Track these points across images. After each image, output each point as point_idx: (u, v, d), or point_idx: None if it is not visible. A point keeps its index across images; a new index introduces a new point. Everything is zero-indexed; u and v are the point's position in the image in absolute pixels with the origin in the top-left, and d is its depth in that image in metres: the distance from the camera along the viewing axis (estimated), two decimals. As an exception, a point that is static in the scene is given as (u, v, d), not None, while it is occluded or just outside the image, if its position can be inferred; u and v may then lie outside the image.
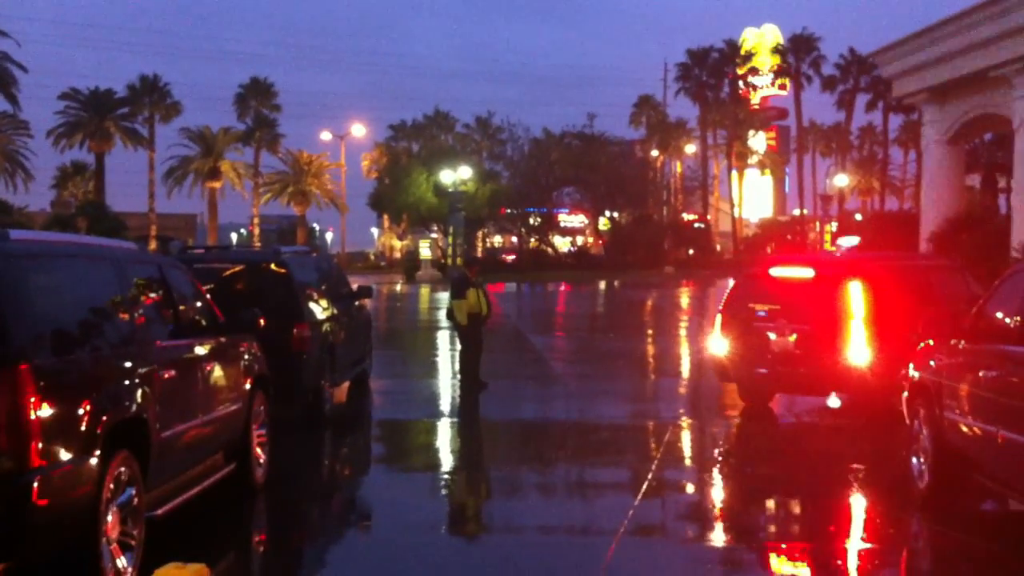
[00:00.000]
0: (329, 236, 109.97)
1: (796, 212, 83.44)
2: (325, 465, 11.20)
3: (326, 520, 8.81)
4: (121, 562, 6.07)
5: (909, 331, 11.60)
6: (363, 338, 15.60)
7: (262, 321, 9.04)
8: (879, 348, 11.84)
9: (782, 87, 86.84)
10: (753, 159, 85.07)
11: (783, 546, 7.70)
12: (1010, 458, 6.97)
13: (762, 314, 12.79)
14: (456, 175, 64.65)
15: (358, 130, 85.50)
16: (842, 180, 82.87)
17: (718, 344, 13.44)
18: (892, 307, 12.15)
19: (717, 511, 8.73)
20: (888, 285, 12.43)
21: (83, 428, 5.72)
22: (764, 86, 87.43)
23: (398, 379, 17.52)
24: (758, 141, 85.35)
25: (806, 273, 12.87)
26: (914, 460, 8.71)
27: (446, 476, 10.29)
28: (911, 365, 9.05)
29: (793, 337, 12.38)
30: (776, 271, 13.25)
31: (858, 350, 11.90)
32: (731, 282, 13.94)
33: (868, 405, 12.16)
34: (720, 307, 13.65)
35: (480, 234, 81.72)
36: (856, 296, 12.04)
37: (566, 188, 79.35)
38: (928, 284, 12.85)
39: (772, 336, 12.51)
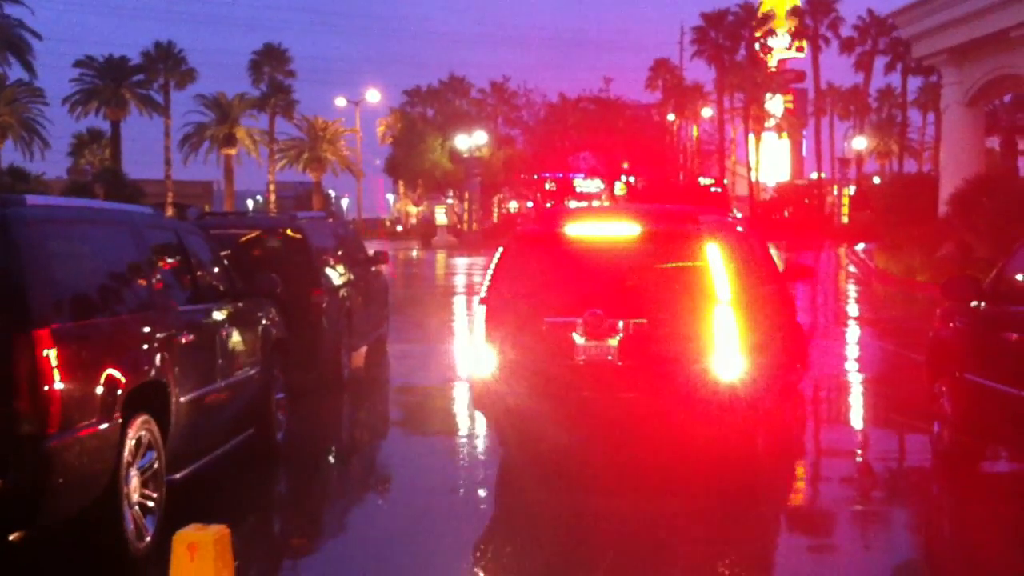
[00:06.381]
0: (345, 202, 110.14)
1: (814, 176, 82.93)
2: (344, 429, 11.26)
3: (345, 483, 8.86)
4: (142, 525, 6.13)
5: (790, 320, 9.16)
6: (380, 303, 15.62)
7: (279, 286, 9.08)
8: (757, 352, 7.86)
9: (799, 49, 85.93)
10: (770, 122, 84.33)
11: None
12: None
13: (555, 304, 7.87)
14: (471, 140, 64.51)
15: (373, 96, 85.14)
16: (860, 143, 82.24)
17: (484, 356, 8.02)
18: (764, 282, 8.79)
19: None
20: (755, 248, 9.12)
21: (103, 392, 5.76)
22: (781, 49, 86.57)
23: (415, 344, 17.54)
24: (775, 104, 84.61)
25: (627, 230, 8.05)
26: (936, 425, 8.67)
27: (464, 439, 10.32)
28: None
29: (615, 339, 7.64)
30: (575, 227, 8.24)
31: (727, 357, 7.53)
32: (499, 251, 8.36)
33: (735, 440, 8.04)
34: (482, 294, 8.20)
35: (495, 200, 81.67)
36: (716, 265, 7.64)
37: (582, 153, 79.08)
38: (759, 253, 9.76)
39: (579, 339, 7.70)
